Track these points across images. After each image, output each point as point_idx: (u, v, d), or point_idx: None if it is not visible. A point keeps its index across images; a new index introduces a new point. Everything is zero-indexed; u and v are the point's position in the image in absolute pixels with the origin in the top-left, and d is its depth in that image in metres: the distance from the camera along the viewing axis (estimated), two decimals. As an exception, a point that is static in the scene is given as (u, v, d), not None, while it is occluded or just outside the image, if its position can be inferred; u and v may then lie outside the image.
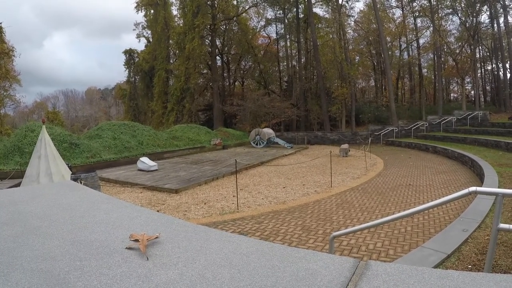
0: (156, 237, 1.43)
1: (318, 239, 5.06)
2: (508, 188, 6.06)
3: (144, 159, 12.66)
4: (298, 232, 5.38)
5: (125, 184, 10.07)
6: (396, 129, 24.84)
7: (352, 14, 42.63)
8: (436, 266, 3.30)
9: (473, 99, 39.87)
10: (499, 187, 6.74)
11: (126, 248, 1.34)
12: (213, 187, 9.69)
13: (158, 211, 6.98)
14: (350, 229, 3.40)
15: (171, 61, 39.95)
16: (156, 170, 12.31)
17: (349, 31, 41.94)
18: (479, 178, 9.24)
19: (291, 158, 17.15)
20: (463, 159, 12.82)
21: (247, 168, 12.97)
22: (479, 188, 2.46)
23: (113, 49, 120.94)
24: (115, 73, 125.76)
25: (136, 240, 1.37)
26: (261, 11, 42.37)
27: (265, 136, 22.22)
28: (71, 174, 7.64)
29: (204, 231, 1.56)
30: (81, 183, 6.92)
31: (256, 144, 22.37)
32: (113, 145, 15.96)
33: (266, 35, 44.55)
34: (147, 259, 1.24)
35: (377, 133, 24.72)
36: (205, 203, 7.64)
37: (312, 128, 35.08)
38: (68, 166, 8.43)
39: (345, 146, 17.54)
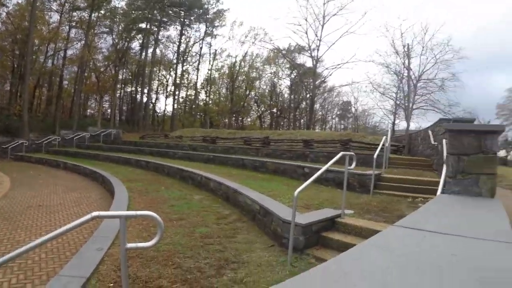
0: None
1: None
2: (138, 200, 7.69)
3: None
4: None
5: None
6: (26, 143, 24.02)
7: (7, 4, 35.68)
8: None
9: (109, 117, 42.91)
10: (129, 202, 7.43)
11: None
12: None
13: None
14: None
15: None
16: None
17: (-2, 22, 34.89)
18: (110, 194, 9.34)
19: None
20: (95, 175, 12.92)
21: None
22: (101, 213, 2.64)
23: None
24: None
25: None
26: None
27: None
28: None
29: None
30: None
31: None
32: None
33: None
34: None
35: (4, 146, 22.87)
36: None
37: None
38: None
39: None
